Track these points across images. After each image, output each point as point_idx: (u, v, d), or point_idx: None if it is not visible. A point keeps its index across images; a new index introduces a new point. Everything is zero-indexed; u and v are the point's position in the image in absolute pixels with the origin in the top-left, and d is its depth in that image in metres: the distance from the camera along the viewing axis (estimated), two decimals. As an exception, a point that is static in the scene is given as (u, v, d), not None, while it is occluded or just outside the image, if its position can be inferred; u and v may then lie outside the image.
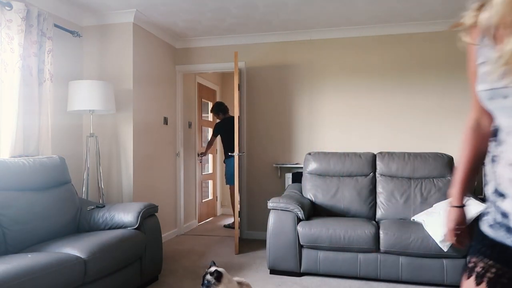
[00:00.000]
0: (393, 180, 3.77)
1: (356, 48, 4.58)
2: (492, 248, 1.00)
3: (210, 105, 6.46)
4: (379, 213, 3.71)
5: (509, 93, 0.90)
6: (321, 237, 3.24)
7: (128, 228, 3.01)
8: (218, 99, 6.63)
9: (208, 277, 2.15)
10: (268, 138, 4.83)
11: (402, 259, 3.13)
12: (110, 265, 2.63)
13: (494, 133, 1.02)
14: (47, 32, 3.36)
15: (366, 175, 3.86)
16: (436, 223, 3.06)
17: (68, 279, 2.28)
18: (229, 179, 5.27)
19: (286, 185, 4.61)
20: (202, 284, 2.17)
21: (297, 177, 4.45)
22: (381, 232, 3.18)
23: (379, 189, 3.79)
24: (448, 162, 3.73)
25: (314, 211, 3.75)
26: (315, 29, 4.59)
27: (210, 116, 6.43)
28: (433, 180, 3.69)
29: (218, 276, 2.15)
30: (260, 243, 4.49)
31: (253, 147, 4.86)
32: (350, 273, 3.24)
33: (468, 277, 1.04)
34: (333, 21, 4.34)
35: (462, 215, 1.24)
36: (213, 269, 2.19)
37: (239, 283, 2.32)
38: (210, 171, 6.45)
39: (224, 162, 5.57)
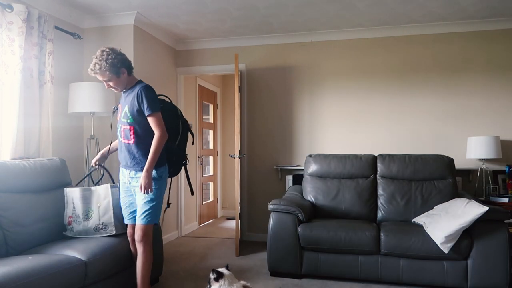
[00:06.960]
0: (394, 182, 3.76)
1: (357, 50, 4.58)
2: None
3: (211, 107, 6.46)
4: (379, 215, 3.71)
5: None
6: (321, 239, 3.23)
7: (129, 230, 3.00)
8: (219, 101, 6.62)
9: (210, 274, 2.32)
10: (269, 140, 4.83)
11: (402, 261, 3.12)
12: (110, 267, 2.63)
13: None
14: (48, 34, 3.37)
15: (366, 177, 3.85)
16: (437, 225, 3.05)
17: (69, 281, 2.28)
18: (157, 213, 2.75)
19: (287, 187, 4.60)
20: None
21: (298, 179, 4.45)
22: (381, 234, 3.17)
23: (380, 191, 3.78)
24: (449, 164, 3.72)
25: (314, 213, 3.74)
26: (316, 31, 4.59)
27: (211, 118, 6.44)
28: (433, 182, 3.69)
29: (217, 277, 2.29)
30: (261, 245, 4.48)
31: (253, 149, 4.86)
32: (351, 275, 3.23)
33: None
34: (333, 23, 4.34)
35: None
36: (220, 269, 2.34)
37: (244, 287, 2.34)
38: (211, 173, 6.44)
39: (159, 176, 2.77)
